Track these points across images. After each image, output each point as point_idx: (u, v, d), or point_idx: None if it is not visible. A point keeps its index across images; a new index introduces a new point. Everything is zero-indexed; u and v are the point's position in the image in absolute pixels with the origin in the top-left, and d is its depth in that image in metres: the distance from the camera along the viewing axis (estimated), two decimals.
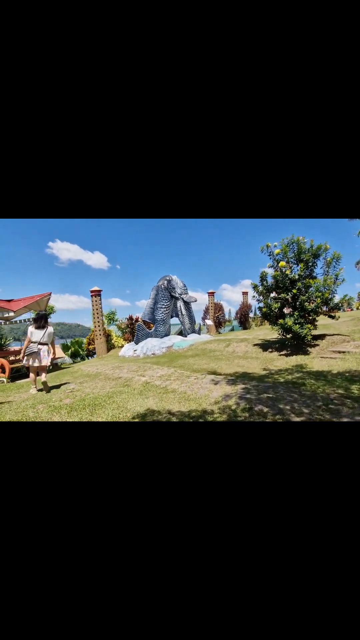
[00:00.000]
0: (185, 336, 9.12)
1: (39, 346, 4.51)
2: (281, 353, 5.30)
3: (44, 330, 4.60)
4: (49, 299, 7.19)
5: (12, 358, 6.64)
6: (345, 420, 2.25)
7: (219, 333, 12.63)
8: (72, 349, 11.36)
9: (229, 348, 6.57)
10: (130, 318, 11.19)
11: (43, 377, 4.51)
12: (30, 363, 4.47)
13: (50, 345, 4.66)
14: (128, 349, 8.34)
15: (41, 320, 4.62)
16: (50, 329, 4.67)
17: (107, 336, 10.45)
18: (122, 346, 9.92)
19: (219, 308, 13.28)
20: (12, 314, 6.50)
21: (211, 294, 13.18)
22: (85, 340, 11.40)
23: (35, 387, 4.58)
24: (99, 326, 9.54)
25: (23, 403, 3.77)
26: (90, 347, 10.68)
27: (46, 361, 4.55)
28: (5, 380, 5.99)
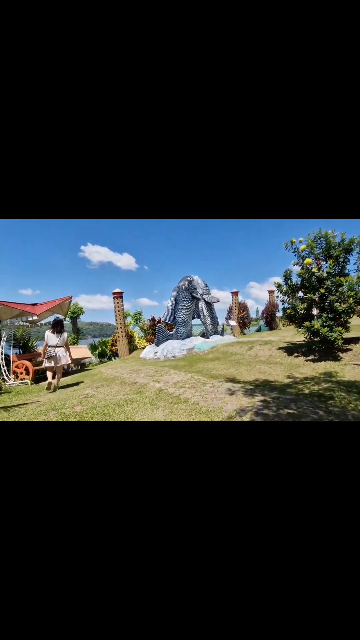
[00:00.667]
0: (208, 338, 8.85)
1: (56, 349, 4.95)
2: (308, 358, 4.85)
3: (60, 335, 5.02)
4: (70, 302, 7.34)
5: (39, 359, 6.86)
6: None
7: (244, 334, 12.17)
8: (100, 348, 11.57)
9: (251, 351, 6.21)
10: (153, 319, 11.14)
11: (57, 379, 4.99)
12: (49, 364, 4.92)
13: (65, 348, 5.04)
14: (149, 351, 8.27)
15: (57, 326, 5.02)
16: (64, 334, 5.09)
17: (130, 337, 10.49)
18: (144, 347, 9.90)
19: (243, 308, 12.80)
20: (35, 317, 6.71)
21: (235, 294, 12.74)
22: (109, 341, 11.56)
23: (54, 387, 4.94)
24: (121, 328, 9.59)
25: (37, 408, 3.79)
26: (114, 348, 10.80)
27: (62, 362, 4.96)
28: (29, 382, 6.18)
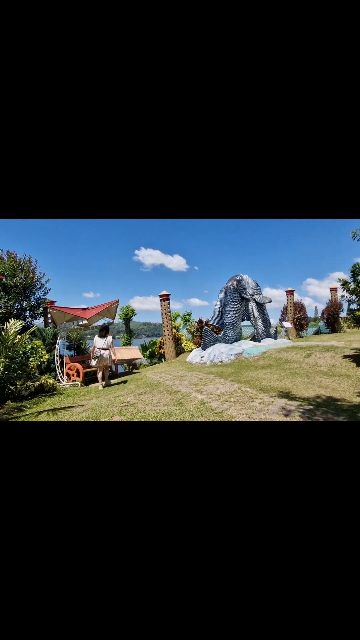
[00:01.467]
0: (259, 341, 8.19)
1: (102, 351, 5.73)
2: None
3: (105, 339, 5.75)
4: (117, 306, 7.50)
5: (89, 361, 7.15)
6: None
7: (300, 336, 11.03)
8: (150, 349, 11.72)
9: (309, 359, 5.43)
10: (200, 321, 10.83)
11: (104, 376, 5.79)
12: (96, 364, 5.78)
13: (110, 350, 5.83)
14: (195, 355, 7.97)
15: (103, 331, 5.85)
16: (109, 338, 5.78)
17: (177, 340, 10.35)
18: (191, 351, 9.64)
19: (299, 308, 11.61)
20: (85, 321, 6.99)
21: (290, 292, 11.64)
22: (158, 343, 11.62)
23: (102, 384, 5.71)
24: (167, 330, 9.51)
25: (80, 414, 3.79)
26: (161, 351, 10.80)
27: (106, 362, 5.80)
28: (79, 384, 6.42)
